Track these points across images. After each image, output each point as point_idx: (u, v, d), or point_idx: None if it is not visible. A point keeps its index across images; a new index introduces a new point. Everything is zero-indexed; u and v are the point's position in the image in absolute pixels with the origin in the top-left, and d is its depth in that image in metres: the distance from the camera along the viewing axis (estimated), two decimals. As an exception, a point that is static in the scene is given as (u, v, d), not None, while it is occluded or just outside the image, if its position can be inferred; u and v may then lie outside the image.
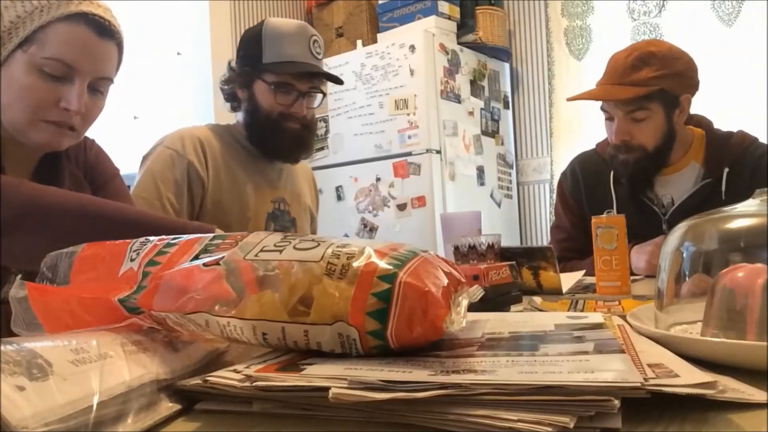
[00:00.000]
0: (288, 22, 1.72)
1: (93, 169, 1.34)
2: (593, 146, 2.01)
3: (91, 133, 1.29)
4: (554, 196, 2.50)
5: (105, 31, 1.14)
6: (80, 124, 1.17)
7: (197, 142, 1.68)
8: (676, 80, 1.69)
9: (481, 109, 3.71)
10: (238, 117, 1.81)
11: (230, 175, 1.70)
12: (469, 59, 3.65)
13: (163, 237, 0.69)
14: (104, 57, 1.16)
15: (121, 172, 1.71)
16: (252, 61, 1.70)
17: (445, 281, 0.60)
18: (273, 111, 1.69)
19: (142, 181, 1.62)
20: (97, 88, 1.18)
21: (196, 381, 0.52)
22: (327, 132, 3.68)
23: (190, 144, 1.67)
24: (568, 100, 1.88)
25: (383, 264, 0.57)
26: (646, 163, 1.75)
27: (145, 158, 1.68)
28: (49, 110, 1.12)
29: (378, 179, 3.46)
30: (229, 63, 1.78)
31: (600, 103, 1.79)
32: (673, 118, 1.73)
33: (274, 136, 1.71)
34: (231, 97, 1.79)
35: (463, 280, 0.65)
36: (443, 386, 0.46)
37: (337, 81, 1.78)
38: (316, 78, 1.73)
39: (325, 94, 1.77)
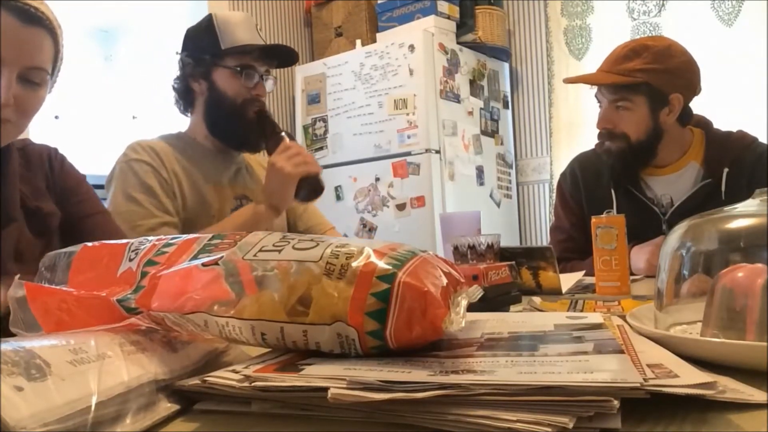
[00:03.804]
0: (234, 13, 1.82)
1: (59, 178, 1.31)
2: (593, 146, 2.01)
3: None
4: (554, 196, 2.50)
5: (30, 17, 1.08)
6: (14, 117, 1.10)
7: (151, 151, 1.69)
8: (666, 77, 1.69)
9: (481, 108, 3.71)
10: (189, 121, 1.82)
11: (189, 178, 1.71)
12: (468, 59, 3.65)
13: (162, 237, 0.69)
14: (32, 45, 1.09)
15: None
16: (209, 50, 1.71)
17: (444, 281, 0.59)
18: (237, 97, 1.70)
19: (116, 200, 1.62)
20: (31, 78, 1.10)
21: (194, 381, 0.52)
22: (326, 132, 3.68)
23: (145, 152, 1.68)
24: (565, 81, 1.92)
25: (382, 264, 0.57)
26: (628, 154, 1.76)
27: (109, 181, 1.68)
28: None
29: (377, 179, 3.46)
30: (180, 59, 1.77)
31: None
32: (659, 115, 1.72)
33: (239, 124, 1.72)
34: (184, 95, 1.79)
35: (462, 280, 0.65)
36: (442, 386, 0.45)
37: (293, 56, 1.79)
38: (270, 60, 1.76)
39: (275, 79, 1.81)
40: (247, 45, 1.69)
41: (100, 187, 1.63)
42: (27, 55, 1.09)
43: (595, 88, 1.81)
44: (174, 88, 1.80)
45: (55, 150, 1.36)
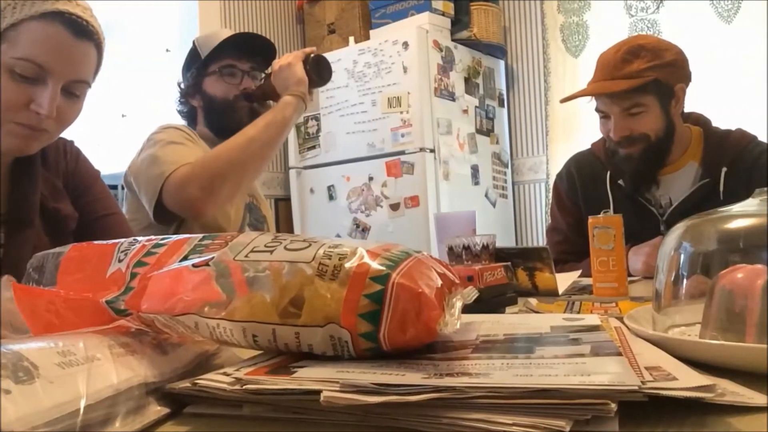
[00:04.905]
0: (217, 29, 1.96)
1: (74, 175, 1.31)
2: (589, 146, 2.00)
3: (79, 131, 1.26)
4: (550, 195, 2.48)
5: (82, 31, 1.08)
6: (53, 127, 1.12)
7: (184, 127, 1.78)
8: (669, 70, 1.69)
9: (476, 107, 3.71)
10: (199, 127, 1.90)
11: None
12: (463, 56, 3.64)
13: (152, 237, 0.68)
14: (80, 59, 1.10)
15: (109, 171, 1.70)
16: (194, 66, 1.84)
17: (439, 282, 0.59)
18: (228, 95, 1.79)
19: (155, 151, 1.63)
20: (73, 91, 1.12)
21: (185, 384, 0.52)
22: (318, 130, 3.67)
23: (179, 126, 1.76)
24: (562, 101, 1.86)
25: (376, 265, 0.57)
26: (651, 154, 1.73)
27: (140, 151, 1.69)
28: (19, 113, 1.06)
29: (371, 178, 3.45)
30: (179, 84, 1.89)
31: (594, 105, 1.77)
32: (670, 109, 1.72)
33: (234, 118, 1.78)
34: (188, 115, 1.90)
35: (457, 281, 0.64)
36: (437, 389, 0.45)
37: (271, 48, 1.87)
38: (251, 56, 1.84)
39: (267, 75, 1.86)
40: (220, 43, 1.78)
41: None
42: (74, 68, 1.10)
43: (592, 103, 1.78)
44: (179, 111, 1.91)
45: (71, 143, 1.35)
